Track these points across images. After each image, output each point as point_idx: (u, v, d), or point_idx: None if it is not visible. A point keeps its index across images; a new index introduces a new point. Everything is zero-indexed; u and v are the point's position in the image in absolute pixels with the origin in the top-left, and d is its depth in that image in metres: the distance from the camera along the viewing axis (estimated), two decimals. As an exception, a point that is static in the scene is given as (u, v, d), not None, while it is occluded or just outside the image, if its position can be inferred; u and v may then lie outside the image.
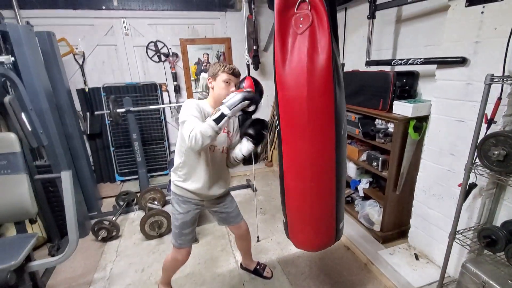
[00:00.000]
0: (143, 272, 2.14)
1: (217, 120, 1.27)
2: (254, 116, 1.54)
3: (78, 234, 1.79)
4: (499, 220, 1.67)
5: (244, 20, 3.08)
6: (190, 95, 3.78)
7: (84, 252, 2.38)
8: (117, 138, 3.63)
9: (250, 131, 1.49)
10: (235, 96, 1.31)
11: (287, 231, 1.48)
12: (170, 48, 3.55)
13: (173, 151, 3.81)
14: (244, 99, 1.30)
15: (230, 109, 1.28)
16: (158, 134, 3.77)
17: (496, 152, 1.32)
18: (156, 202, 2.96)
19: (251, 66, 3.51)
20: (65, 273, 2.16)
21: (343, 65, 2.90)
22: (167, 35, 3.53)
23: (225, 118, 1.28)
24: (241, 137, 1.57)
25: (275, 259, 2.21)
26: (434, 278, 1.83)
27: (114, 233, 2.57)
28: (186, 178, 1.54)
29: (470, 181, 1.51)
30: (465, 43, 1.63)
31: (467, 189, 1.53)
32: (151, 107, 3.56)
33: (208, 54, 3.80)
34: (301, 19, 1.02)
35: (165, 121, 3.78)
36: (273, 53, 1.11)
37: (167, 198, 3.12)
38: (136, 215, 2.95)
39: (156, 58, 3.57)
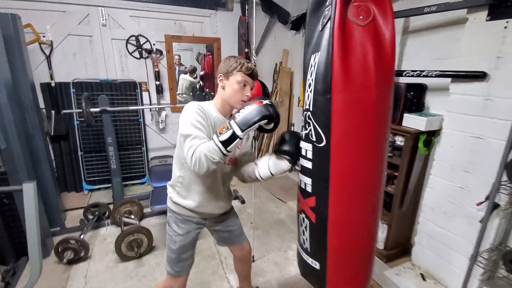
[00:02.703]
0: (120, 302, 1.81)
1: (227, 143, 1.03)
2: None
3: (42, 261, 1.43)
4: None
5: (236, 20, 2.89)
6: (173, 97, 3.47)
7: (46, 278, 1.97)
8: (87, 142, 3.19)
9: (287, 148, 1.16)
10: (251, 113, 1.04)
11: (322, 279, 1.12)
12: (153, 44, 3.23)
13: (152, 158, 3.47)
14: (262, 118, 1.03)
15: (243, 130, 1.03)
16: (136, 138, 3.39)
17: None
18: (132, 216, 2.61)
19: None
20: (20, 306, 1.76)
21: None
22: (151, 30, 3.21)
23: (237, 140, 1.04)
24: (274, 153, 1.26)
25: (275, 283, 1.98)
26: (446, 302, 1.73)
27: (82, 254, 2.17)
28: (186, 195, 1.30)
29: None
30: (485, 58, 1.58)
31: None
32: (131, 107, 3.19)
33: (179, 56, 3.43)
34: (360, 9, 0.85)
35: (144, 124, 3.42)
36: (330, 47, 0.87)
37: (145, 210, 2.77)
38: (108, 231, 2.56)
39: (137, 54, 3.22)
